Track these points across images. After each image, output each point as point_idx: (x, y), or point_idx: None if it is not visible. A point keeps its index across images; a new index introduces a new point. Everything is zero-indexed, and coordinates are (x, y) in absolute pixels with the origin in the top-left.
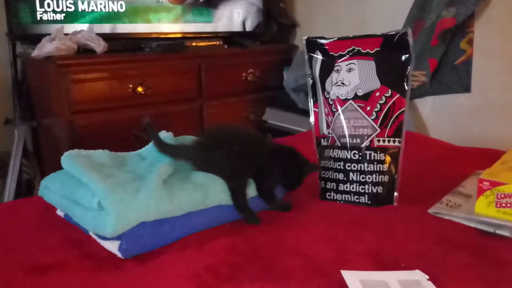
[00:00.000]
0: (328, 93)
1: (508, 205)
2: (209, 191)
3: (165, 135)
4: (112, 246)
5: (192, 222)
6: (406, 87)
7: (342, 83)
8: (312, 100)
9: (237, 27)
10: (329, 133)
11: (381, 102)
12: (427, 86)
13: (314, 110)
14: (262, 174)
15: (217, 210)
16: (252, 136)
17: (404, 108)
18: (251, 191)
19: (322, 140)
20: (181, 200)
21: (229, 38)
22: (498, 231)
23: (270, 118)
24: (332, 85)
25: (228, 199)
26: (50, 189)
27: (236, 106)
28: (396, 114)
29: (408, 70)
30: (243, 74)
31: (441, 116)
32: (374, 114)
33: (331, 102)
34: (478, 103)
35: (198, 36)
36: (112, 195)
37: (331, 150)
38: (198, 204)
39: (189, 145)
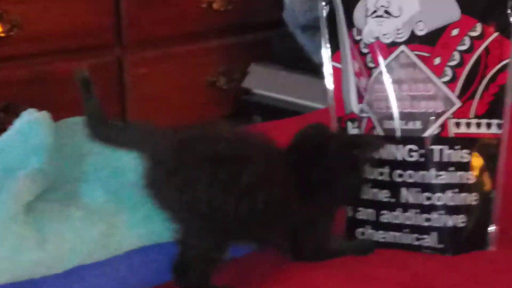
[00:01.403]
0: (360, 32)
1: None
2: (117, 222)
3: (34, 118)
4: None
5: (87, 285)
6: (509, 18)
7: (387, 12)
8: (329, 48)
9: None
10: (362, 110)
11: (463, 48)
12: None
13: (333, 66)
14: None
15: (135, 259)
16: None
17: (508, 60)
18: None
19: (349, 124)
20: (63, 243)
21: None
22: None
23: (257, 85)
24: (366, 16)
25: (160, 235)
26: None
27: (190, 62)
28: (493, 72)
29: None
30: None
31: None
32: (449, 72)
33: (365, 50)
34: None
35: None
36: None
37: None
38: (97, 249)
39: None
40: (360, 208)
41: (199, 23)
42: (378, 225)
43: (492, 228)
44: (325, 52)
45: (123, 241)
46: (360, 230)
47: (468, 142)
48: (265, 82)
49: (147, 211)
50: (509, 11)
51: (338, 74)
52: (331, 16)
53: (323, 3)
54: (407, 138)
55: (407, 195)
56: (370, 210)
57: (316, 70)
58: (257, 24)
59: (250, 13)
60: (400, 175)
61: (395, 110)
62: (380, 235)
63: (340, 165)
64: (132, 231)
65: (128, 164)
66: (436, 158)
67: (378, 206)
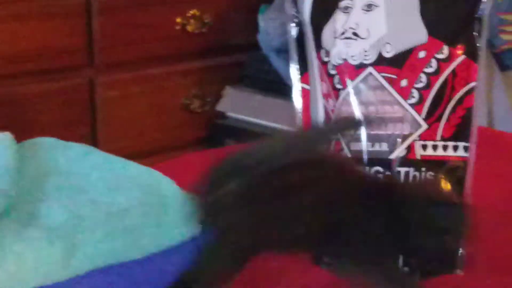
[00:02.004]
0: (328, 53)
1: None
2: (77, 241)
3: None
4: None
5: None
6: (479, 41)
7: (355, 34)
8: (297, 69)
9: None
10: None
11: (430, 70)
12: None
13: (302, 87)
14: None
15: (98, 279)
16: None
17: (475, 83)
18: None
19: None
20: (23, 263)
21: None
22: None
23: (232, 108)
24: (335, 37)
25: (122, 254)
26: None
27: (163, 84)
28: (460, 94)
29: (481, 4)
30: (178, 20)
31: None
32: (416, 94)
33: (333, 72)
34: None
35: None
36: None
37: None
38: (58, 269)
39: None
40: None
41: (173, 45)
42: None
43: (459, 252)
44: (294, 73)
45: (84, 261)
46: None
47: (434, 164)
48: (239, 105)
49: (108, 230)
50: (475, 34)
51: (306, 95)
52: (300, 37)
53: (292, 24)
54: (374, 160)
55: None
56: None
57: (290, 94)
58: (232, 47)
59: (225, 35)
60: None
61: (362, 132)
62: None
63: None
64: (93, 250)
65: (91, 183)
66: (402, 180)
67: None
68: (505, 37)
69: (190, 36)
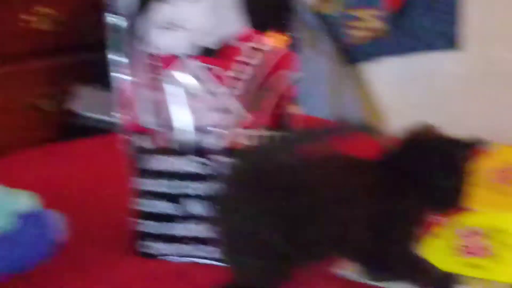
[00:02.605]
0: (149, 44)
1: (480, 251)
2: None
3: None
4: None
5: None
6: (298, 32)
7: (174, 25)
8: (121, 61)
9: None
10: (154, 123)
11: (248, 60)
12: (382, 39)
13: (126, 80)
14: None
15: None
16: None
17: (294, 72)
18: None
19: (142, 137)
20: None
21: None
22: None
23: (83, 107)
24: (155, 28)
25: None
26: None
27: (9, 84)
28: (279, 84)
29: None
30: (24, 17)
31: (411, 94)
32: (236, 84)
33: (154, 63)
34: (477, 69)
35: None
36: None
37: (155, 159)
38: None
39: None
40: (147, 222)
41: (21, 43)
42: (164, 239)
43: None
44: (117, 66)
45: None
46: (146, 243)
47: None
48: (90, 104)
49: None
50: (293, 24)
51: (130, 88)
52: (119, 27)
53: (113, 14)
54: (197, 151)
55: (194, 207)
56: (157, 224)
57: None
58: (82, 45)
59: (75, 34)
60: (188, 187)
61: (185, 123)
62: (165, 250)
63: (439, 166)
64: None
65: None
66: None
67: (166, 219)
68: (353, 32)
69: (39, 33)
